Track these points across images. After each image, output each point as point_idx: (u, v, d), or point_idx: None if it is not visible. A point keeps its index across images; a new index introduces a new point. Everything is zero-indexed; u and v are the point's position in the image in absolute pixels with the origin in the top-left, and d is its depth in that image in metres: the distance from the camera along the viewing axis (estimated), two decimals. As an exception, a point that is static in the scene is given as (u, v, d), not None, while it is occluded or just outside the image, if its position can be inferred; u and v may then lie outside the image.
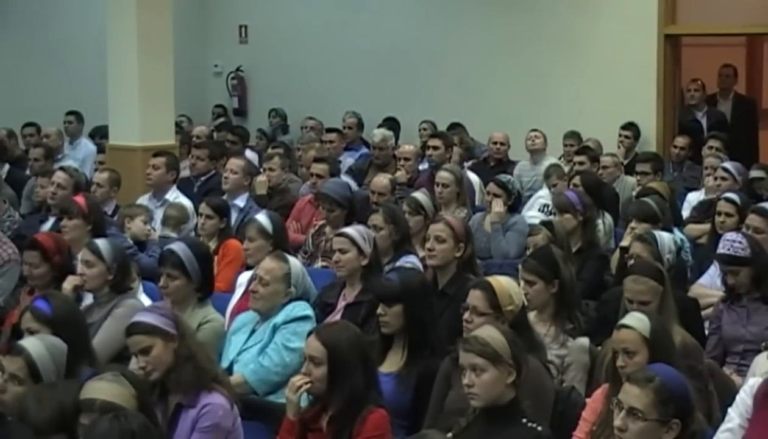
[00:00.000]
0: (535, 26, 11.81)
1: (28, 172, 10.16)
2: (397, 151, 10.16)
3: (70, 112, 12.23)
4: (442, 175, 8.25)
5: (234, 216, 8.03)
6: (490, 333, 4.19)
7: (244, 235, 6.70)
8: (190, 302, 5.59)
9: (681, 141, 10.64)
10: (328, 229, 7.49)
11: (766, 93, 13.66)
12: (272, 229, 6.49)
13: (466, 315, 4.88)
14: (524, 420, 4.11)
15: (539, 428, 4.11)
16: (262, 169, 9.46)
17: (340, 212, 7.43)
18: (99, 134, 11.58)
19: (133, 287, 5.97)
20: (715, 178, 8.40)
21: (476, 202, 9.10)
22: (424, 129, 11.77)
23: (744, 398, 4.30)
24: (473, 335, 4.22)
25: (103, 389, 3.78)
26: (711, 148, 9.85)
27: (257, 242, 6.44)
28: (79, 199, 7.14)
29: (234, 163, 8.54)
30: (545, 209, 8.79)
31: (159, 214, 8.23)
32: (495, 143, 10.86)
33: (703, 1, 11.33)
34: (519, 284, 5.27)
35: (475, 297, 4.89)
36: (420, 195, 7.55)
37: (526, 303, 5.11)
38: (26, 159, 10.60)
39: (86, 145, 11.87)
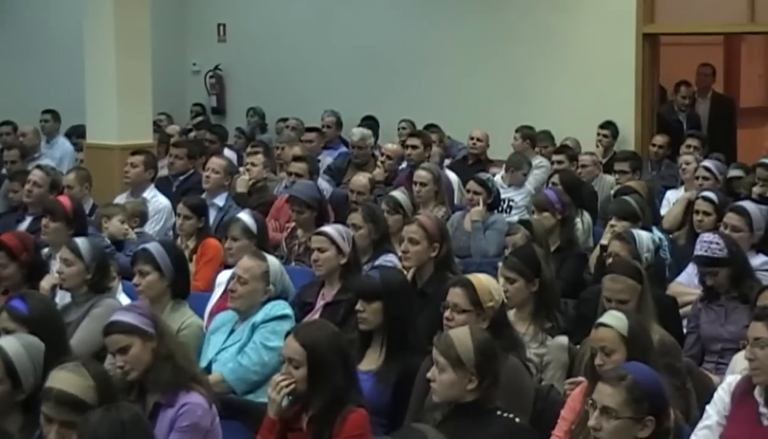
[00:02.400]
0: (514, 25, 11.83)
1: (4, 171, 10.12)
2: (382, 148, 10.16)
3: (46, 111, 12.20)
4: (420, 174, 8.28)
5: (213, 215, 8.02)
6: (460, 336, 4.17)
7: (224, 234, 6.70)
8: (165, 302, 5.58)
9: (660, 140, 10.68)
10: (299, 232, 7.49)
11: (743, 92, 13.75)
12: (256, 228, 6.52)
13: (447, 313, 4.89)
14: (499, 412, 4.12)
15: (517, 420, 4.13)
16: (242, 168, 9.45)
17: (309, 214, 7.41)
18: (75, 134, 11.54)
19: (111, 286, 5.97)
20: (697, 177, 8.41)
21: (455, 201, 9.12)
22: (403, 128, 11.77)
23: (722, 395, 4.33)
24: (445, 334, 4.25)
25: (61, 378, 3.79)
26: (689, 146, 9.90)
27: (241, 242, 6.44)
28: (65, 200, 7.11)
29: (215, 162, 8.53)
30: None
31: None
32: (472, 139, 10.82)
33: (681, 0, 11.38)
34: (498, 282, 5.29)
35: (455, 295, 4.90)
36: (399, 194, 7.57)
37: (505, 301, 5.13)
38: (2, 158, 10.56)
39: (63, 144, 11.85)
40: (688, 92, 11.61)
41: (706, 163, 8.60)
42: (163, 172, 9.51)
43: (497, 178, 9.16)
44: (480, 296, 4.87)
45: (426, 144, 9.79)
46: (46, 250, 6.87)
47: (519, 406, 4.38)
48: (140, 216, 7.90)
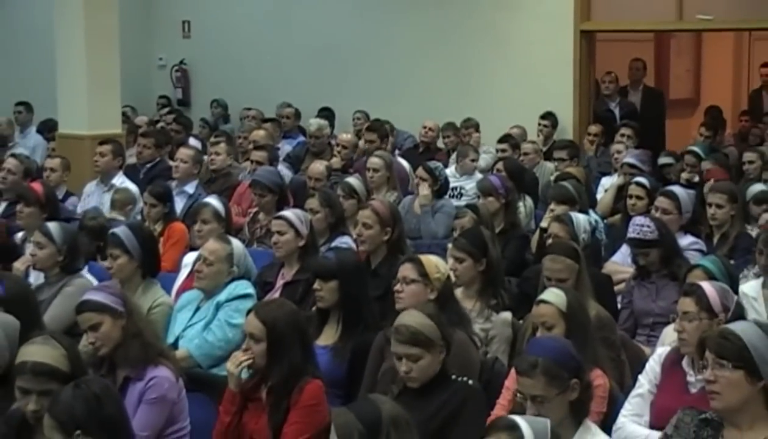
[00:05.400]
0: (461, 22, 11.84)
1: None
2: (337, 138, 10.15)
3: (19, 103, 12.10)
4: (373, 161, 8.32)
5: (183, 201, 8.03)
6: (418, 320, 4.13)
7: (194, 218, 6.67)
8: (136, 282, 5.56)
9: (593, 129, 10.70)
10: (261, 215, 7.47)
11: (673, 85, 13.87)
12: (224, 212, 6.55)
13: (397, 286, 4.90)
14: (453, 377, 4.14)
15: (470, 382, 4.15)
16: (206, 156, 9.40)
17: (271, 198, 7.41)
18: (47, 128, 11.38)
19: (81, 268, 5.92)
20: (625, 174, 8.33)
21: (410, 188, 9.13)
22: (358, 118, 11.78)
23: (653, 365, 4.37)
24: (403, 325, 4.13)
25: (34, 351, 3.76)
26: (623, 135, 9.94)
27: (211, 225, 6.45)
28: (37, 186, 7.08)
29: (183, 152, 8.47)
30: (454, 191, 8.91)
31: (106, 199, 8.15)
32: (424, 128, 10.97)
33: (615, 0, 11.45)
34: (447, 263, 5.30)
35: (404, 268, 4.94)
36: (353, 180, 7.58)
37: (453, 278, 5.15)
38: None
39: (36, 135, 11.73)
40: (611, 78, 11.69)
41: (628, 159, 8.49)
42: (131, 160, 9.46)
43: (449, 170, 9.17)
44: (427, 269, 4.90)
45: (382, 136, 9.77)
46: (21, 233, 6.82)
47: (466, 377, 4.39)
48: (132, 202, 7.87)
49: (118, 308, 4.39)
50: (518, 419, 3.21)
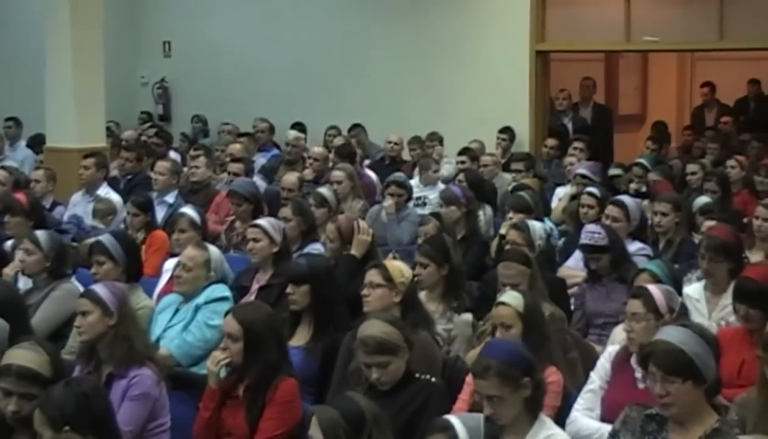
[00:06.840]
0: (427, 43, 11.86)
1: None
2: (309, 151, 10.13)
3: (9, 118, 12.01)
4: (335, 174, 8.32)
5: (164, 211, 7.98)
6: (381, 329, 4.10)
7: (173, 227, 6.64)
8: (120, 287, 5.52)
9: (550, 142, 10.77)
10: (238, 224, 7.45)
11: (622, 101, 13.97)
12: (200, 221, 6.53)
13: (364, 290, 4.90)
14: (417, 375, 4.13)
15: (433, 379, 4.15)
16: (185, 168, 9.36)
17: (247, 207, 7.39)
18: (36, 143, 11.28)
19: (69, 272, 5.88)
20: (577, 184, 8.33)
21: (376, 197, 9.11)
22: (330, 134, 11.75)
23: (603, 363, 4.39)
24: (369, 336, 4.09)
25: (19, 355, 3.73)
26: (575, 148, 9.99)
27: (188, 233, 6.41)
28: (21, 197, 7.03)
29: (161, 165, 8.43)
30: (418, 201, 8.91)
31: (91, 209, 8.08)
32: (390, 142, 10.99)
33: (568, 21, 11.50)
34: (413, 268, 5.30)
35: (370, 274, 4.94)
36: (324, 190, 7.57)
37: (416, 281, 5.15)
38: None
39: (25, 148, 11.64)
40: (564, 95, 11.77)
41: (580, 170, 8.49)
42: (115, 172, 9.40)
43: (414, 181, 9.18)
44: (392, 274, 4.90)
45: (351, 160, 9.65)
46: (11, 241, 6.77)
47: (430, 374, 4.39)
48: (113, 213, 7.82)
49: (111, 307, 4.41)
50: (452, 418, 3.23)
